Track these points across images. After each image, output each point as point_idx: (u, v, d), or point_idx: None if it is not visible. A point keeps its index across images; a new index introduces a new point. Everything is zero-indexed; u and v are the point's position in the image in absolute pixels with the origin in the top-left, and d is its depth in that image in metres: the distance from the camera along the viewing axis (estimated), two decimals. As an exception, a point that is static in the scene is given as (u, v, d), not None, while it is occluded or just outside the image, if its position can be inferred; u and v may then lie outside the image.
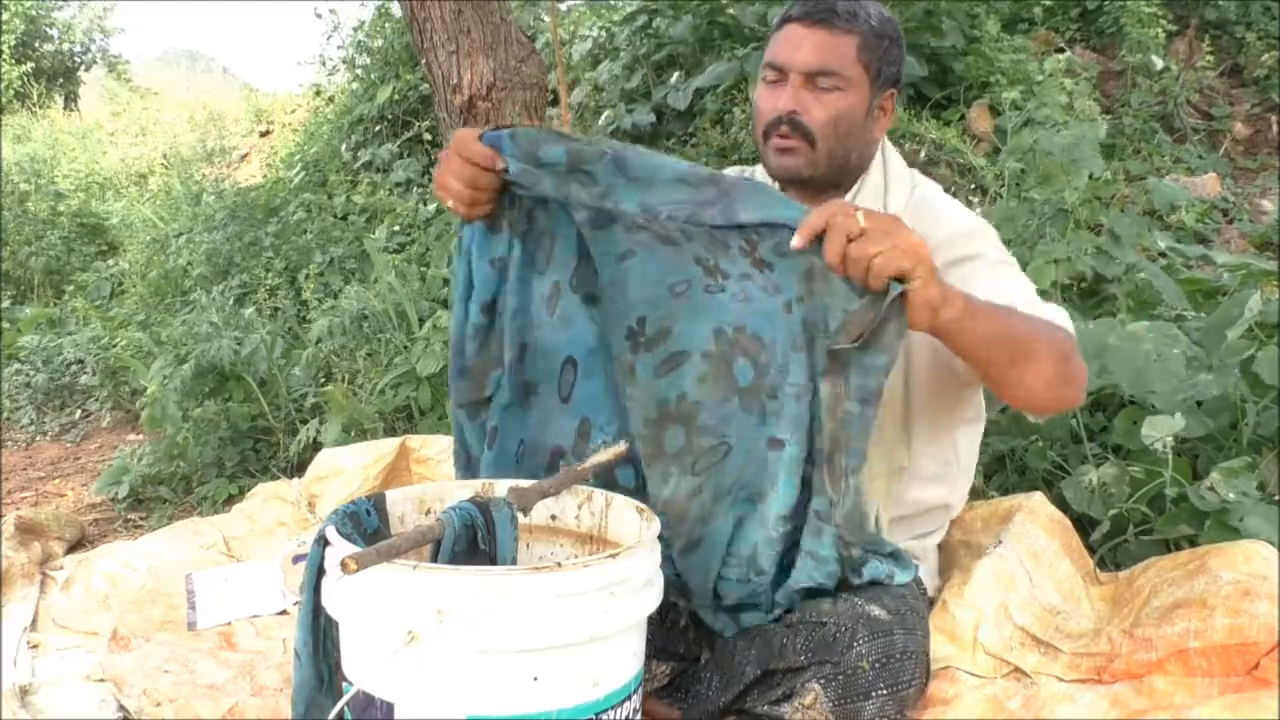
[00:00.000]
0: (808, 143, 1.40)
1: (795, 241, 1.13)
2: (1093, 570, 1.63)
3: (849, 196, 1.46)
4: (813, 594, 1.32)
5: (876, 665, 1.25)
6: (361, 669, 1.07)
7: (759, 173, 1.56)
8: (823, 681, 1.23)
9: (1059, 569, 1.57)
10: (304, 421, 2.87)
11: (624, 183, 1.22)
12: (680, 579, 1.31)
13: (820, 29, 1.38)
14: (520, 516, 1.20)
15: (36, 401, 3.86)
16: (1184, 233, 3.67)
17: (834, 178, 1.45)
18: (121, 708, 1.63)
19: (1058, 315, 1.34)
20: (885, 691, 1.25)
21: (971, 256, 1.38)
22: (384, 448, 2.27)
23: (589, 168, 1.22)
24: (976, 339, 1.18)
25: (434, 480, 2.08)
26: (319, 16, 5.92)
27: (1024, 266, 2.44)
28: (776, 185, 1.47)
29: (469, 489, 1.27)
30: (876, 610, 1.29)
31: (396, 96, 5.23)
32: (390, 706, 1.03)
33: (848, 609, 1.29)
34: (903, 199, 1.47)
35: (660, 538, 1.16)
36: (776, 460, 1.24)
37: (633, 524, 1.23)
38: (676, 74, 4.42)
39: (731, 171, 1.60)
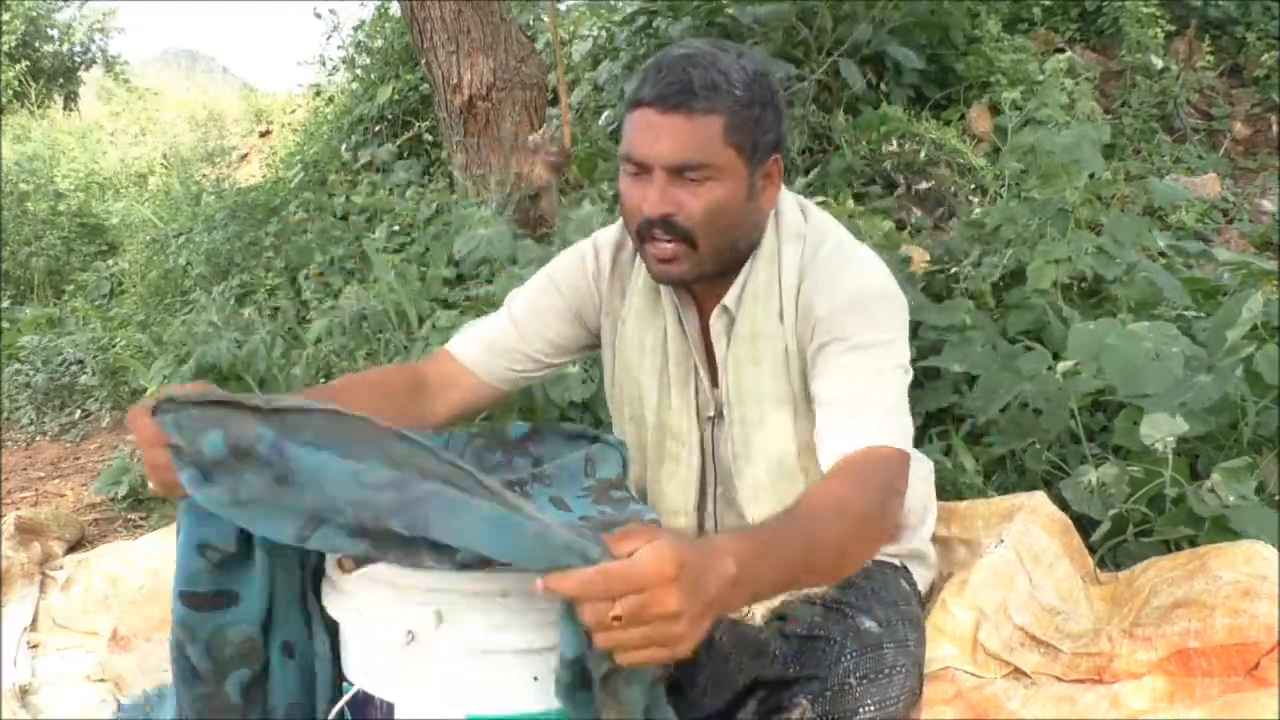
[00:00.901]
0: (688, 244, 1.24)
1: (536, 584, 0.86)
2: (1093, 570, 1.63)
3: (742, 276, 1.32)
4: (806, 597, 1.32)
5: (865, 680, 1.24)
6: (361, 669, 1.07)
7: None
8: (810, 696, 1.22)
9: (1059, 569, 1.57)
10: (304, 421, 2.87)
11: (294, 473, 0.95)
12: None
13: (677, 115, 1.18)
14: None
15: (36, 401, 3.86)
16: (1184, 233, 3.67)
17: (724, 269, 1.31)
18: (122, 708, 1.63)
19: (890, 435, 1.19)
20: (873, 706, 1.24)
21: (834, 340, 1.26)
22: (384, 448, 2.27)
23: (253, 449, 0.95)
24: (771, 589, 1.02)
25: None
26: (319, 17, 5.92)
27: (1024, 266, 2.45)
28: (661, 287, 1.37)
29: None
30: (868, 623, 1.28)
31: (396, 96, 5.24)
32: (390, 706, 1.03)
33: (838, 620, 1.28)
34: (795, 258, 1.32)
35: None
36: None
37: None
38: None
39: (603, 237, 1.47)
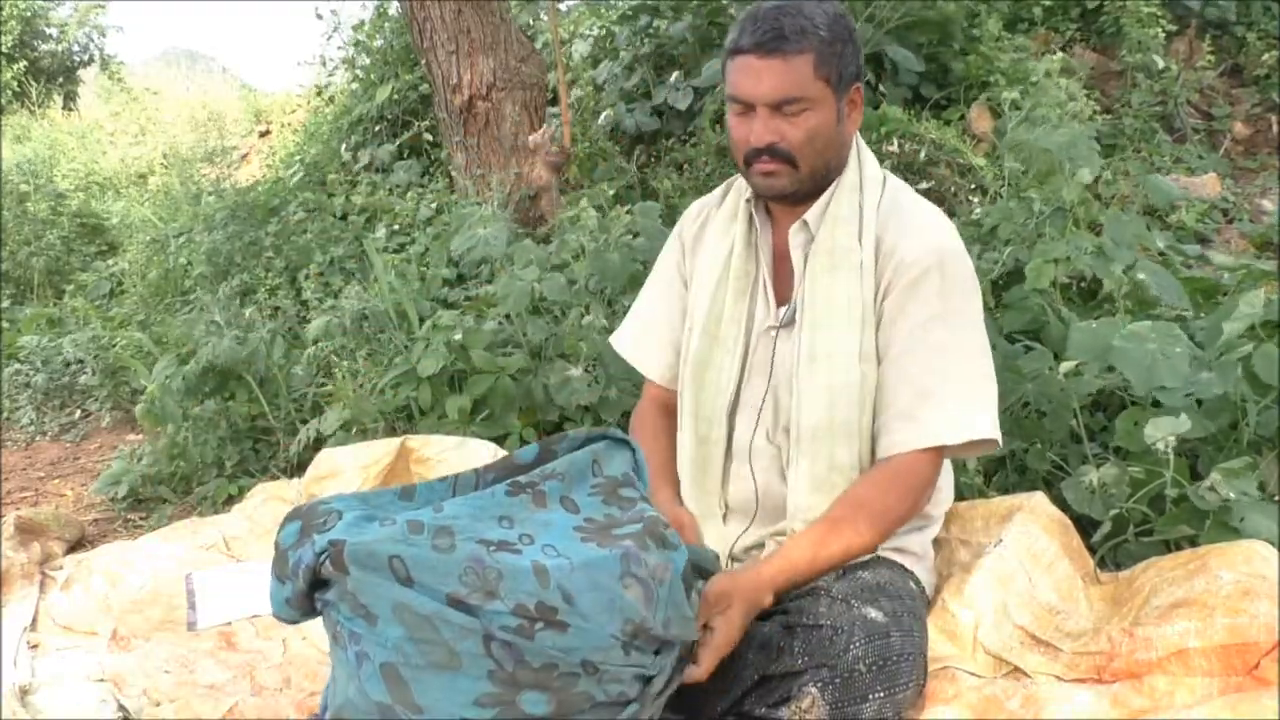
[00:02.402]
0: (790, 165, 1.43)
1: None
2: (1093, 570, 1.63)
3: (825, 197, 1.49)
4: (812, 592, 1.33)
5: (873, 668, 1.25)
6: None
7: (738, 181, 1.60)
8: (820, 685, 1.24)
9: (1058, 569, 1.57)
10: (304, 421, 2.87)
11: None
12: None
13: (773, 58, 1.38)
14: None
15: (36, 401, 3.86)
16: (1184, 232, 3.67)
17: (817, 187, 1.48)
18: (121, 708, 1.63)
19: (941, 433, 1.40)
20: (882, 694, 1.25)
21: (915, 301, 1.43)
22: (384, 448, 2.27)
23: None
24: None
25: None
26: (319, 17, 5.91)
27: (1023, 266, 2.45)
28: (759, 201, 1.55)
29: None
30: (873, 612, 1.30)
31: (396, 96, 5.23)
32: None
33: (844, 611, 1.29)
34: (875, 198, 1.50)
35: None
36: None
37: None
38: (676, 74, 4.42)
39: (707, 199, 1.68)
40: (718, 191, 1.66)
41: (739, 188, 1.60)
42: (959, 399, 1.41)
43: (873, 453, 1.47)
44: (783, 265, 1.53)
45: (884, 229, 1.47)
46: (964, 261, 1.47)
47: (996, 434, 1.43)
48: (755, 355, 1.52)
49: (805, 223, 1.49)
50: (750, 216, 1.55)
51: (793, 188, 1.46)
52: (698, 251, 1.63)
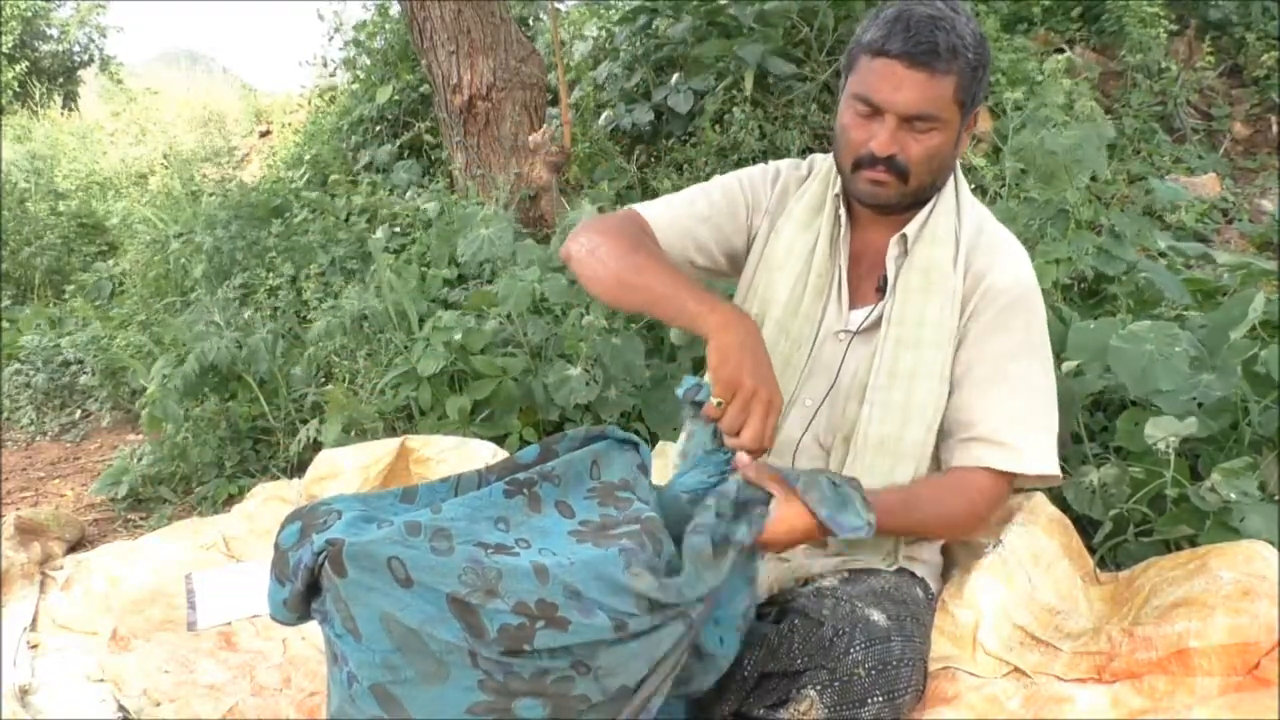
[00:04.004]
0: (901, 178, 1.40)
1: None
2: (1093, 570, 1.63)
3: (924, 213, 1.46)
4: (817, 591, 1.34)
5: (873, 672, 1.25)
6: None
7: (817, 161, 1.58)
8: (819, 688, 1.24)
9: (1058, 569, 1.57)
10: (304, 421, 2.87)
11: None
12: None
13: (921, 72, 1.32)
14: None
15: (36, 401, 3.86)
16: (1184, 233, 3.67)
17: (916, 202, 1.46)
18: (121, 708, 1.63)
19: (1017, 462, 1.40)
20: (881, 699, 1.25)
21: (997, 331, 1.43)
22: (384, 448, 2.27)
23: None
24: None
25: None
26: (321, 18, 5.91)
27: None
28: (839, 203, 1.51)
29: None
30: (876, 615, 1.29)
31: (396, 97, 5.23)
32: None
33: (847, 612, 1.29)
34: (971, 220, 1.48)
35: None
36: None
37: None
38: (676, 74, 4.42)
39: (753, 173, 1.61)
40: (803, 167, 1.59)
41: (824, 178, 1.54)
42: (1037, 431, 1.42)
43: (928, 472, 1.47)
44: (856, 268, 1.51)
45: (972, 252, 1.47)
46: (1040, 296, 1.48)
47: (1059, 471, 1.45)
48: (819, 355, 1.50)
49: (904, 236, 1.47)
50: (837, 213, 1.51)
51: (896, 200, 1.42)
52: (778, 219, 1.56)
